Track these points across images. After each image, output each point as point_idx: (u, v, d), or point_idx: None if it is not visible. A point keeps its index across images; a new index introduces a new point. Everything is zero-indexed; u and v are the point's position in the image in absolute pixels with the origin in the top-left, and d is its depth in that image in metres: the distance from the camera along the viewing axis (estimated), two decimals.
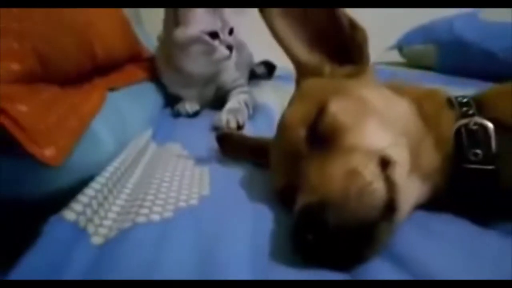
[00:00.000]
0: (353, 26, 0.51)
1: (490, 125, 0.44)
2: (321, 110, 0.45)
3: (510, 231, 0.42)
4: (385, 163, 0.40)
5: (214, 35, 1.12)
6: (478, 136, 0.44)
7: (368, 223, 0.36)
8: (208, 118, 1.10)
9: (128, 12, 1.22)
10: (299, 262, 0.37)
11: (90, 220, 0.47)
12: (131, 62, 1.09)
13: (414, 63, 1.84)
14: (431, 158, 0.45)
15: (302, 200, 0.39)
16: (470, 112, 0.46)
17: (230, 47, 1.14)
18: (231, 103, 1.10)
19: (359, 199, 0.36)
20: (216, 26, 1.12)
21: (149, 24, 1.76)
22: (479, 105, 0.47)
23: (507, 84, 0.50)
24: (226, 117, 0.97)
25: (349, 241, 0.35)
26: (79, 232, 0.45)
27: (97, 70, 0.77)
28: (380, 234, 0.37)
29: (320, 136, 0.44)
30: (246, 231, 0.44)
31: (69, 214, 0.45)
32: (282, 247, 0.41)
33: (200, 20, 1.12)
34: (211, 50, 1.13)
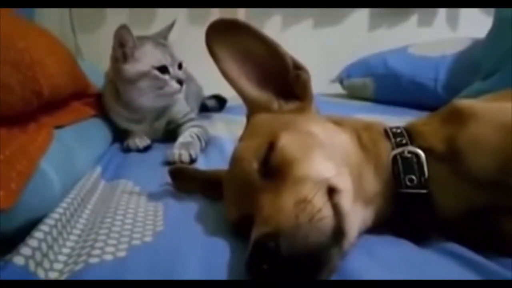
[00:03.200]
0: (297, 66, 0.55)
1: (421, 153, 0.49)
2: (272, 144, 0.48)
3: (443, 248, 0.46)
4: (332, 192, 0.43)
5: (163, 69, 1.13)
6: (412, 163, 0.49)
7: (318, 249, 0.38)
8: (159, 152, 1.09)
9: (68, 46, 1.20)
10: None
11: (40, 264, 0.46)
12: (77, 98, 1.07)
13: (354, 94, 1.97)
14: (372, 185, 0.49)
15: (256, 231, 0.41)
16: (404, 141, 0.51)
17: (180, 81, 1.16)
18: (183, 137, 1.10)
19: (309, 225, 0.39)
20: (165, 61, 1.14)
21: (89, 58, 1.74)
22: (410, 134, 0.52)
23: (433, 114, 0.56)
24: (178, 152, 0.97)
25: (302, 267, 0.37)
26: (30, 277, 0.43)
27: (42, 107, 0.75)
28: (331, 259, 0.39)
29: (272, 168, 0.47)
30: (202, 265, 0.45)
31: (18, 259, 0.44)
32: (238, 279, 0.41)
33: (149, 55, 1.13)
34: (161, 85, 1.14)
